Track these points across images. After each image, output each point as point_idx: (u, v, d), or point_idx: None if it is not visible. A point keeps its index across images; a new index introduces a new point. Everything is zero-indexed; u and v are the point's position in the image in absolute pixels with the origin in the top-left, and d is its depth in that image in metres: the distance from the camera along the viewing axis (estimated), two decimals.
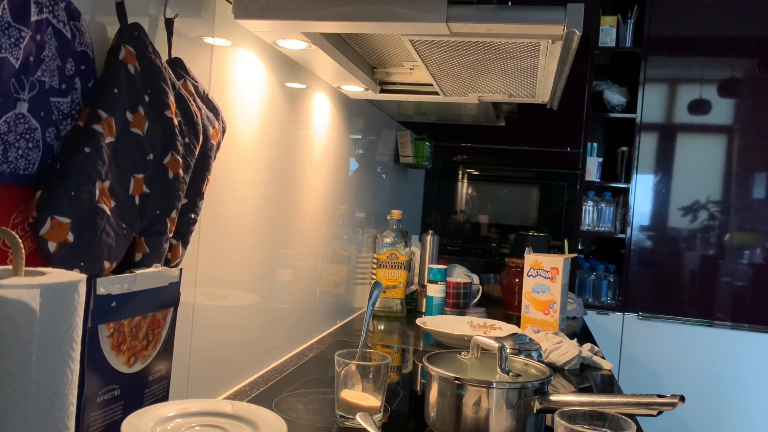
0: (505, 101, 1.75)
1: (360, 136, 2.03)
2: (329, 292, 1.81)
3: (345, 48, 1.33)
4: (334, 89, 1.69)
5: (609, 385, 1.46)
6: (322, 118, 1.65)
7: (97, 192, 0.74)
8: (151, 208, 0.84)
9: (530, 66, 1.25)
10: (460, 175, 3.42)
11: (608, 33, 3.28)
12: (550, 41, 1.06)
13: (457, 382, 1.02)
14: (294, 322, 1.55)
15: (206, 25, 1.05)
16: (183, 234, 0.93)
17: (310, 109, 1.56)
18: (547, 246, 2.93)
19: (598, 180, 3.33)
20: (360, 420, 1.01)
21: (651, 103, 3.21)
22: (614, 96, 3.30)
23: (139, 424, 0.77)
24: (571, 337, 1.74)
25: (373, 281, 2.15)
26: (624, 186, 3.29)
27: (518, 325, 1.90)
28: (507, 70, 1.30)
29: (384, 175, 2.43)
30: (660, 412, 0.91)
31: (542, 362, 1.18)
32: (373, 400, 1.07)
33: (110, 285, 0.77)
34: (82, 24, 0.74)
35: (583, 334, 2.07)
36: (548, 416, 1.04)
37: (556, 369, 1.53)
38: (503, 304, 2.37)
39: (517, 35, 1.04)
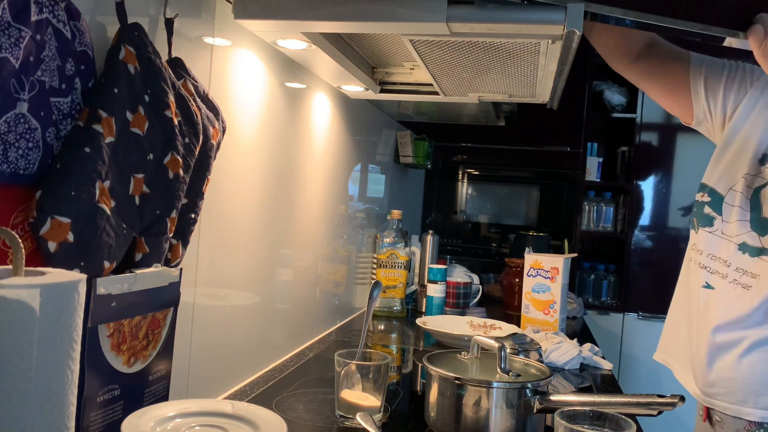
0: (505, 101, 1.75)
1: (360, 136, 2.03)
2: (329, 292, 1.81)
3: (345, 48, 1.32)
4: (334, 89, 1.68)
5: (609, 385, 1.46)
6: (322, 118, 1.65)
7: (97, 192, 0.74)
8: (151, 208, 0.84)
9: (530, 66, 1.25)
10: (460, 175, 3.42)
11: None
12: (550, 41, 1.06)
13: (457, 382, 1.02)
14: (294, 322, 1.55)
15: (206, 25, 1.05)
16: (183, 234, 0.93)
17: (310, 109, 1.56)
18: (547, 246, 2.93)
19: (598, 180, 3.33)
20: (360, 420, 1.01)
21: (651, 103, 3.21)
22: (614, 96, 3.30)
23: (139, 424, 0.77)
24: (571, 337, 1.74)
25: (373, 281, 2.15)
26: (624, 186, 3.29)
27: (518, 325, 1.90)
28: (507, 70, 1.30)
29: (384, 175, 2.43)
30: (660, 412, 0.91)
31: (542, 362, 1.18)
32: (373, 400, 1.07)
33: (110, 285, 0.77)
34: (82, 24, 0.74)
35: (583, 334, 2.06)
36: (548, 416, 1.04)
37: (556, 369, 1.53)
38: (503, 304, 2.36)
39: (517, 35, 1.04)
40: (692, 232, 1.21)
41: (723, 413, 1.14)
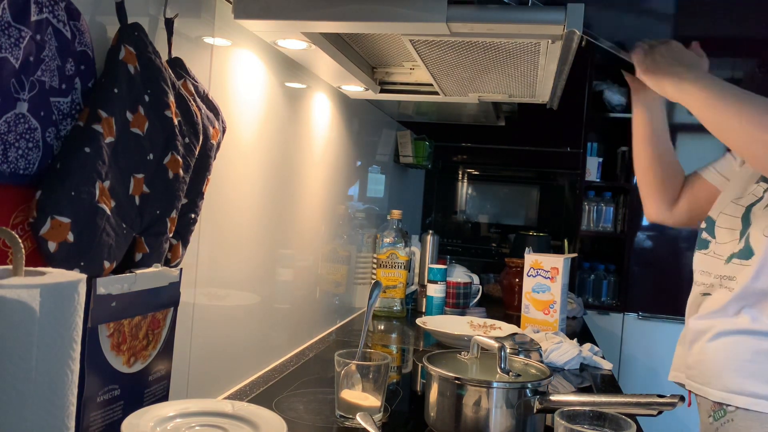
0: (505, 101, 1.75)
1: (360, 136, 2.03)
2: (329, 292, 1.81)
3: (345, 48, 1.32)
4: (334, 89, 1.69)
5: (609, 385, 1.46)
6: (322, 118, 1.65)
7: (97, 192, 0.74)
8: (151, 208, 0.84)
9: (530, 66, 1.25)
10: (460, 175, 3.42)
11: None
12: (550, 41, 1.06)
13: (457, 382, 1.02)
14: (294, 322, 1.55)
15: (206, 25, 1.05)
16: (183, 234, 0.93)
17: (310, 109, 1.56)
18: (547, 246, 2.92)
19: (598, 180, 3.33)
20: (360, 420, 1.01)
21: None
22: (614, 96, 3.30)
23: (139, 424, 0.77)
24: (571, 337, 1.74)
25: (373, 281, 2.15)
26: (624, 186, 3.29)
27: (518, 325, 1.90)
28: (507, 70, 1.30)
29: (384, 175, 2.43)
30: (660, 412, 0.91)
31: (542, 362, 1.18)
32: (373, 400, 1.07)
33: (110, 285, 0.77)
34: (82, 24, 0.74)
35: (583, 334, 2.06)
36: (548, 416, 1.04)
37: (556, 369, 1.53)
38: (503, 304, 2.36)
39: (517, 35, 1.04)
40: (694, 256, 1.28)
41: (697, 394, 1.19)
